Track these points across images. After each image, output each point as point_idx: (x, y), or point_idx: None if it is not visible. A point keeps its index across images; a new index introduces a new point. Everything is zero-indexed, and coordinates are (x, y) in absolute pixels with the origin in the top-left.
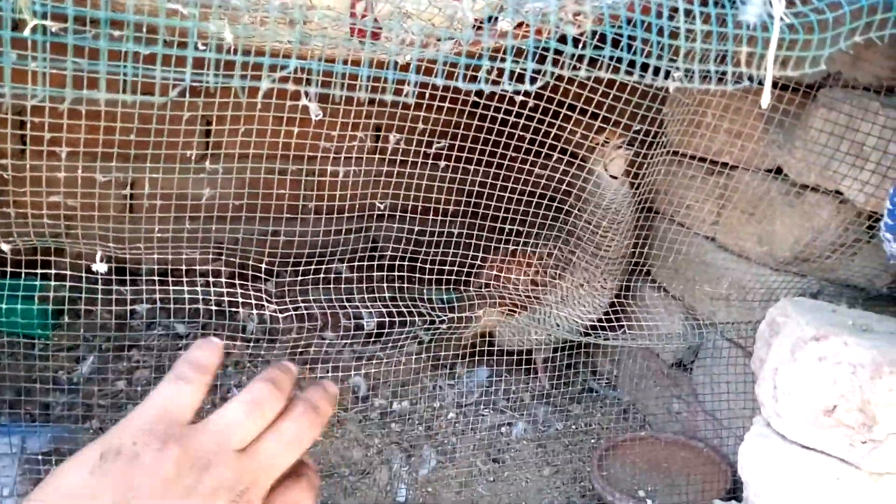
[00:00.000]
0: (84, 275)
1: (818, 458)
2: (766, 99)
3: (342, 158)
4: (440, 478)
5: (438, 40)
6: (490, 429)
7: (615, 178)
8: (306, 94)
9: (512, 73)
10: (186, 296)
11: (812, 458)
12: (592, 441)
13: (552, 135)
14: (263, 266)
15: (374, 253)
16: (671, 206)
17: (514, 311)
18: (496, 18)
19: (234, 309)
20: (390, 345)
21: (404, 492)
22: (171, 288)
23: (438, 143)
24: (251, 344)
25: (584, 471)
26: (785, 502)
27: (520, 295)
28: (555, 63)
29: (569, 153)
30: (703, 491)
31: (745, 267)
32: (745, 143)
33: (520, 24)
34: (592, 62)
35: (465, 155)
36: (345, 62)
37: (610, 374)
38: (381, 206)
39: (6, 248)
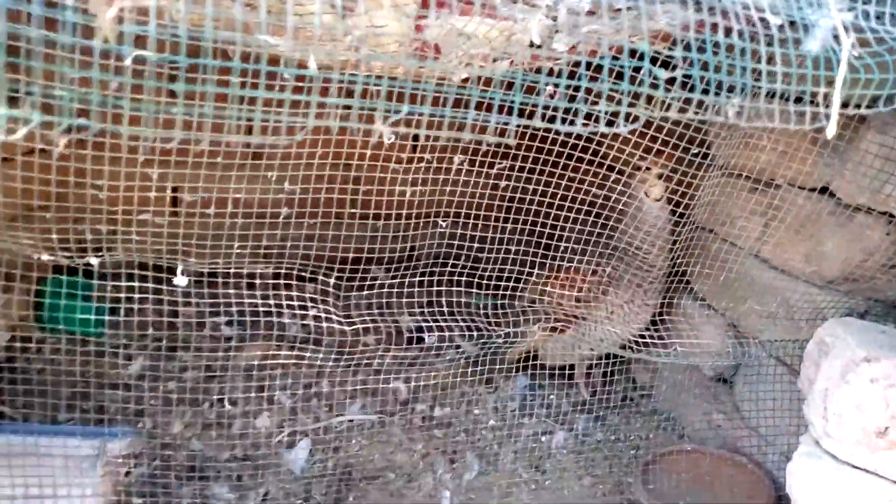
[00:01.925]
0: (165, 287)
1: (870, 480)
2: (831, 130)
3: (409, 179)
4: (483, 485)
5: (495, 60)
6: (530, 437)
7: (657, 201)
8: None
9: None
10: (260, 308)
11: (864, 478)
12: (632, 452)
13: (608, 155)
14: (332, 280)
15: (434, 269)
16: (718, 223)
17: (564, 329)
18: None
19: (300, 322)
20: (433, 353)
21: (448, 497)
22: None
23: (500, 164)
24: (295, 348)
25: (626, 482)
26: None
27: (568, 311)
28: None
29: (616, 171)
30: None
31: (793, 285)
32: (794, 164)
33: (573, 48)
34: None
35: (524, 175)
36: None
37: (649, 386)
38: (444, 225)
39: (95, 262)
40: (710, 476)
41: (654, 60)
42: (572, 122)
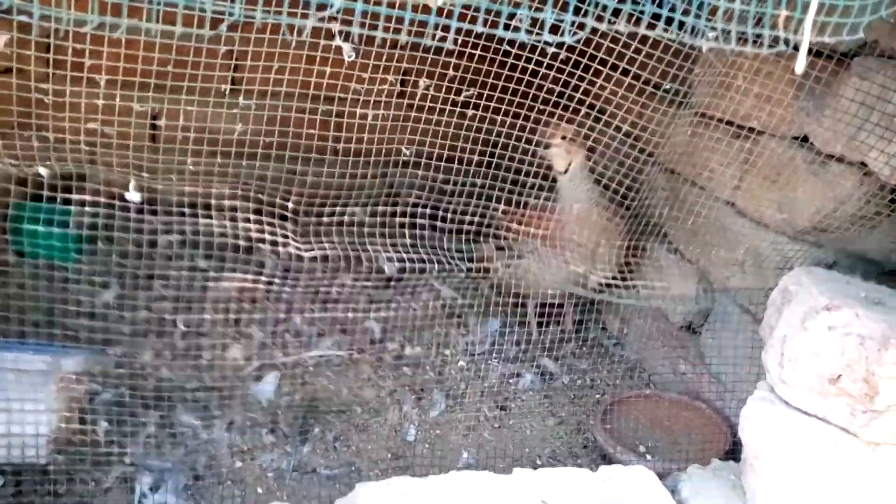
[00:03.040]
0: (117, 202)
1: (819, 426)
2: (800, 64)
3: (371, 102)
4: (448, 421)
5: None
6: (499, 378)
7: (563, 174)
8: (340, 33)
9: (552, 25)
10: (215, 230)
11: (813, 424)
12: (598, 396)
13: (581, 89)
14: (289, 205)
15: (395, 199)
16: (693, 169)
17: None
18: None
19: (256, 245)
20: (406, 291)
21: (413, 432)
22: (199, 221)
23: (467, 90)
24: (272, 282)
25: (588, 423)
26: (783, 465)
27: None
28: (596, 18)
29: (597, 109)
30: (702, 450)
31: (763, 234)
32: (773, 109)
33: None
34: (629, 17)
35: (492, 105)
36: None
37: (619, 333)
38: (407, 153)
39: (44, 172)
40: (669, 420)
41: None
42: (516, 29)
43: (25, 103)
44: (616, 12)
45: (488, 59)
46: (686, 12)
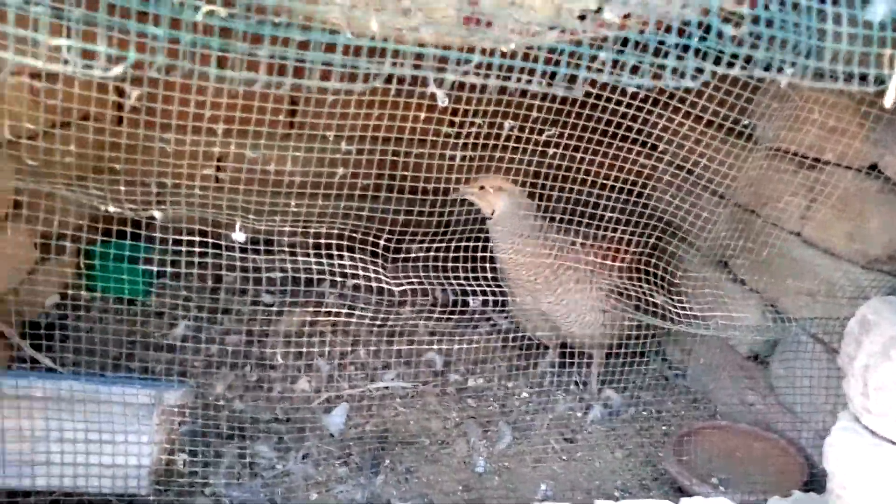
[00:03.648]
0: (223, 242)
1: None
2: (889, 99)
3: (459, 144)
4: (516, 453)
5: (550, 29)
6: (564, 410)
7: (488, 217)
8: (435, 80)
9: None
10: (314, 266)
11: None
12: (664, 427)
13: (650, 123)
14: (381, 242)
15: (480, 234)
16: (758, 200)
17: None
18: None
19: (342, 280)
20: (469, 325)
21: (483, 464)
22: (298, 259)
23: (549, 130)
24: (332, 315)
25: (657, 455)
26: (872, 496)
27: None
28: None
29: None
30: (778, 482)
31: (834, 263)
32: (844, 140)
33: (626, 16)
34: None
35: (572, 143)
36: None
37: (681, 364)
38: (491, 190)
39: (158, 215)
40: (742, 451)
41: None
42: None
43: (148, 152)
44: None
45: (570, 99)
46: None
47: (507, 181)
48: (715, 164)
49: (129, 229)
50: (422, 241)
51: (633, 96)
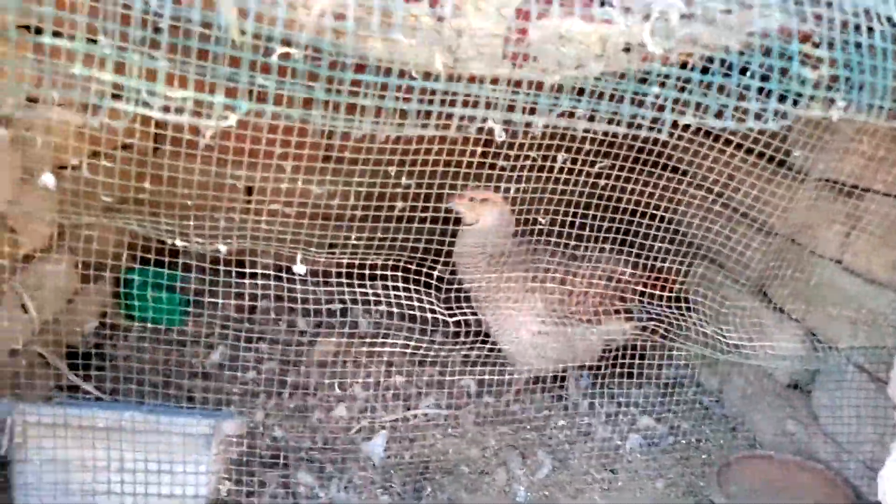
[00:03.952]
0: (284, 275)
1: None
2: None
3: (514, 177)
4: (556, 482)
5: (596, 60)
6: (602, 438)
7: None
8: (493, 119)
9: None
10: (371, 297)
11: None
12: (703, 457)
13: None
14: (436, 273)
15: (537, 265)
16: (796, 229)
17: (655, 329)
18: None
19: (392, 302)
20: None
21: (523, 493)
22: (356, 290)
23: (600, 162)
24: (366, 342)
25: (698, 485)
26: None
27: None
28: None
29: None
30: None
31: (877, 291)
32: (884, 168)
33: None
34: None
35: (622, 174)
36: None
37: (717, 392)
38: (543, 222)
39: (223, 248)
40: (786, 482)
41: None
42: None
43: (218, 188)
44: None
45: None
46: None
47: (495, 194)
48: (758, 195)
49: (165, 258)
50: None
51: (685, 128)
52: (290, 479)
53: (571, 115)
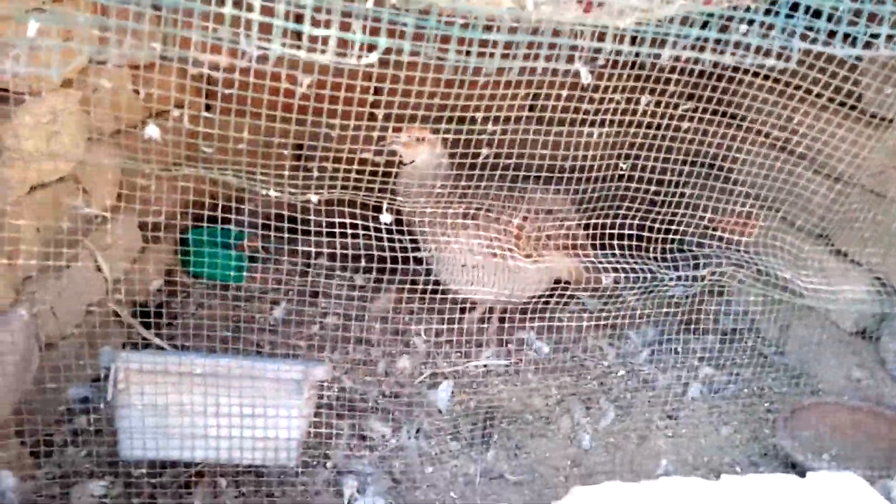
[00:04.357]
0: (371, 224)
1: None
2: None
3: (597, 121)
4: (620, 430)
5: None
6: (663, 387)
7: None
8: (580, 58)
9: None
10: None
11: None
12: (766, 405)
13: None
14: (515, 221)
15: (614, 211)
16: (864, 172)
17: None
18: None
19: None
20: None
21: (588, 440)
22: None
23: (684, 105)
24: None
25: (762, 431)
26: None
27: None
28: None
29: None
30: (891, 458)
31: None
32: None
33: None
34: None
35: (705, 117)
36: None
37: (778, 340)
38: (624, 168)
39: (314, 198)
40: (856, 428)
41: None
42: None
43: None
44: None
45: (706, 73)
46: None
47: (430, 134)
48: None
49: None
50: (555, 220)
51: (765, 77)
52: (363, 425)
53: (703, 48)
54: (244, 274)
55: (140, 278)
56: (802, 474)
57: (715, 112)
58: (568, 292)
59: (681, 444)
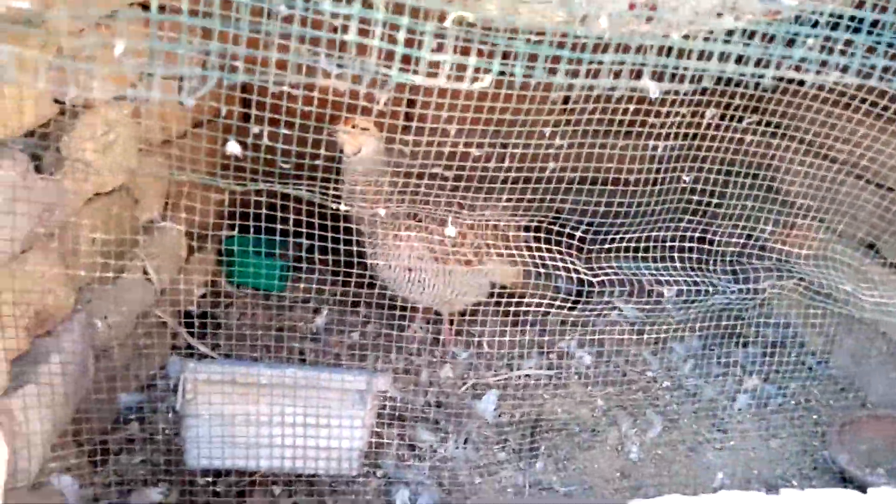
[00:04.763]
0: (436, 236)
1: None
2: None
3: (662, 134)
4: (668, 441)
5: (720, 15)
6: (709, 398)
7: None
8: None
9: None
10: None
11: None
12: (815, 417)
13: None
14: (577, 234)
15: (671, 224)
16: None
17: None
18: None
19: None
20: (595, 314)
21: (636, 451)
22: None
23: (748, 118)
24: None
25: (812, 445)
26: None
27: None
28: None
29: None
30: None
31: None
32: None
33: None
34: None
35: (769, 130)
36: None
37: (823, 352)
38: (686, 180)
39: (383, 212)
40: None
41: None
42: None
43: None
44: None
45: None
46: None
47: (373, 125)
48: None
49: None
50: (617, 233)
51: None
52: (411, 435)
53: (797, 67)
54: (285, 283)
55: (185, 287)
56: (861, 489)
57: (778, 126)
58: (610, 304)
59: (730, 456)
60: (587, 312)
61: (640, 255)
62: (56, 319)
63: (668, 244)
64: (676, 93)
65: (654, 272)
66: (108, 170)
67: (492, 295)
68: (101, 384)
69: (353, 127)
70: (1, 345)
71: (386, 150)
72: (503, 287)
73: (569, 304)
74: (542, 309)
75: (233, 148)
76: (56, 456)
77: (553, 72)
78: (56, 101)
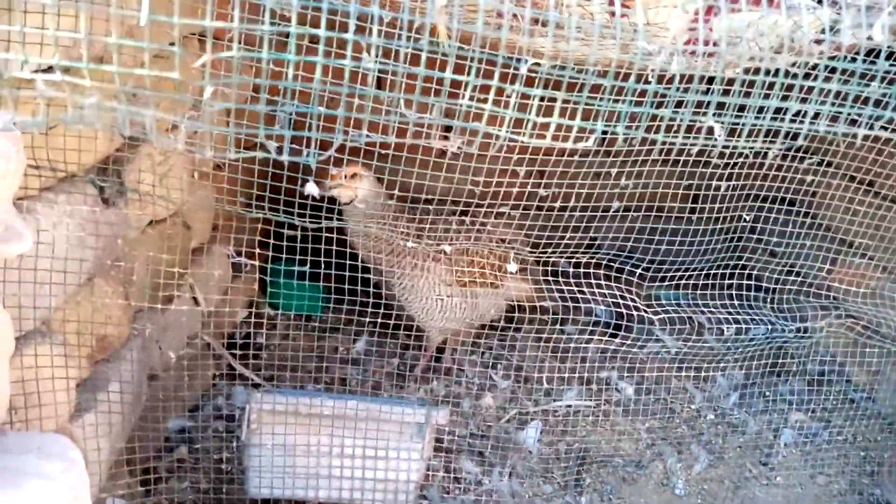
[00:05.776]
0: (498, 273)
1: None
2: None
3: (726, 174)
4: (713, 477)
5: (778, 52)
6: (754, 433)
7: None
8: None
9: None
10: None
11: None
12: (862, 453)
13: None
14: (638, 272)
15: (729, 262)
16: None
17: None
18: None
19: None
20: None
21: (682, 486)
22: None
23: (810, 159)
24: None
25: (861, 482)
26: None
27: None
28: None
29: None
30: None
31: None
32: None
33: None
34: None
35: (829, 170)
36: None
37: (867, 388)
38: (747, 219)
39: (449, 249)
40: None
41: None
42: None
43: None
44: None
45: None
46: None
47: (361, 166)
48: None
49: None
50: (678, 269)
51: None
52: (455, 465)
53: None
54: (324, 307)
55: (229, 311)
56: None
57: (839, 166)
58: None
59: (777, 493)
60: (628, 342)
61: (698, 291)
62: (115, 346)
63: (725, 281)
64: (740, 135)
65: (714, 310)
66: (163, 198)
67: (532, 321)
68: (152, 409)
69: (344, 177)
70: (66, 373)
71: (379, 187)
72: (519, 303)
73: (608, 335)
74: (585, 337)
75: (311, 189)
76: (112, 480)
77: (654, 130)
78: (120, 133)
